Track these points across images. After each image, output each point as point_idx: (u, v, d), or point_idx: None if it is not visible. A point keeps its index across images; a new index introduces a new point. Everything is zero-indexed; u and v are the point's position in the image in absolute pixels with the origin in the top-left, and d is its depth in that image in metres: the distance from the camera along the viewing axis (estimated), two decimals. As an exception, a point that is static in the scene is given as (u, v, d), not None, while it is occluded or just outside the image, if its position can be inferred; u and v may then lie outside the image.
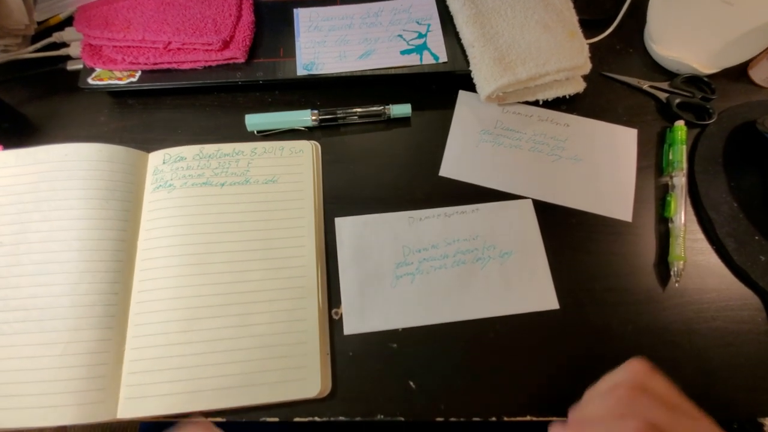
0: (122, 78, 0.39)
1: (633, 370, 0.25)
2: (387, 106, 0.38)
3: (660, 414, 0.23)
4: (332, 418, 0.29)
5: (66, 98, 0.40)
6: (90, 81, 0.39)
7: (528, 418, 0.30)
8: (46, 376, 0.28)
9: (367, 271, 0.33)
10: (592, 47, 0.40)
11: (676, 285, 0.34)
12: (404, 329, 0.32)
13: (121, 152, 0.35)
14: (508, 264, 0.34)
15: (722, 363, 0.32)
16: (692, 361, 0.32)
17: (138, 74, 0.39)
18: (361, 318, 0.32)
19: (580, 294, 0.33)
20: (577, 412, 0.26)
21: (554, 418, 0.30)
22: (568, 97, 0.40)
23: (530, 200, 0.36)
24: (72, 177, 0.33)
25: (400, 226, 0.35)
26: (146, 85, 0.39)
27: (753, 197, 0.36)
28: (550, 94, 0.39)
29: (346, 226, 0.35)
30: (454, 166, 0.38)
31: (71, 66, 0.41)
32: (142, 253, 0.32)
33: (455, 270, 0.34)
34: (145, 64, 0.38)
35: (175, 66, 0.38)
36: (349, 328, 0.32)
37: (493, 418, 0.30)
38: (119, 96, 0.41)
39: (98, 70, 0.39)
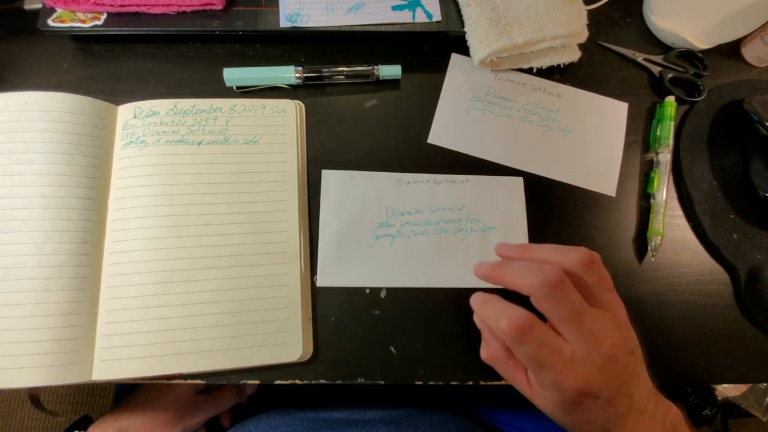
0: (86, 21, 0.35)
1: (575, 256, 0.25)
2: (376, 67, 0.36)
3: (561, 307, 0.24)
4: (313, 381, 0.30)
5: (24, 41, 0.37)
6: (50, 23, 0.35)
7: (503, 382, 0.31)
8: (14, 337, 0.27)
9: (347, 227, 0.33)
10: (590, 14, 0.39)
11: (653, 259, 0.35)
12: (387, 297, 0.32)
13: (87, 103, 0.32)
14: (490, 239, 0.34)
15: (687, 333, 0.34)
16: (660, 331, 0.33)
17: (103, 17, 0.35)
18: (335, 272, 0.32)
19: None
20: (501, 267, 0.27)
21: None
22: (562, 66, 0.39)
23: (521, 179, 0.36)
24: (33, 129, 0.30)
25: (387, 186, 0.34)
26: (113, 30, 0.35)
27: (732, 176, 0.37)
28: (545, 62, 0.38)
29: (332, 178, 0.34)
30: (443, 133, 0.37)
31: (29, 5, 0.37)
32: (114, 213, 0.31)
33: (436, 238, 0.33)
34: (111, 5, 0.35)
35: (144, 9, 0.35)
36: (323, 281, 0.32)
37: (470, 382, 0.31)
38: (83, 41, 0.37)
39: (59, 10, 0.35)
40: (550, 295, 0.24)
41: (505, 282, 0.27)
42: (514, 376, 0.27)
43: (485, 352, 0.28)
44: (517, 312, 0.24)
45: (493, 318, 0.25)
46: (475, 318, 0.28)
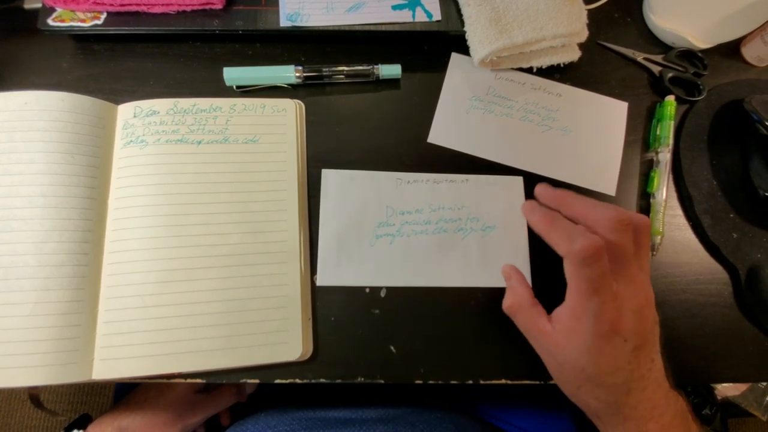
0: (86, 20, 0.35)
1: (638, 216, 0.28)
2: (376, 66, 0.36)
3: (621, 246, 0.26)
4: (313, 380, 0.30)
5: (24, 41, 0.37)
6: (50, 22, 0.35)
7: (503, 381, 0.31)
8: (14, 336, 0.27)
9: (347, 227, 0.33)
10: (590, 13, 0.38)
11: (652, 258, 0.35)
12: (387, 296, 0.32)
13: (87, 102, 0.32)
14: (490, 238, 0.34)
15: (687, 333, 0.34)
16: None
17: (103, 16, 0.35)
18: (335, 272, 0.32)
19: (557, 267, 0.34)
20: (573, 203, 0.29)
21: (526, 382, 0.31)
22: (562, 65, 0.39)
23: (521, 178, 0.36)
24: (33, 128, 0.30)
25: (387, 186, 0.34)
26: (112, 30, 0.35)
27: (732, 176, 0.37)
28: (545, 61, 0.38)
29: (332, 178, 0.34)
30: (443, 133, 0.37)
31: (29, 4, 0.37)
32: (114, 212, 0.31)
33: (435, 237, 0.34)
34: (111, 5, 0.35)
35: (144, 9, 0.35)
36: (323, 280, 0.32)
37: (470, 381, 0.31)
38: (83, 40, 0.37)
39: (59, 9, 0.35)
40: (617, 230, 0.26)
41: (574, 206, 0.28)
42: (536, 323, 0.28)
43: (509, 300, 0.29)
44: (593, 236, 0.25)
45: (564, 237, 0.27)
46: (505, 267, 0.31)
